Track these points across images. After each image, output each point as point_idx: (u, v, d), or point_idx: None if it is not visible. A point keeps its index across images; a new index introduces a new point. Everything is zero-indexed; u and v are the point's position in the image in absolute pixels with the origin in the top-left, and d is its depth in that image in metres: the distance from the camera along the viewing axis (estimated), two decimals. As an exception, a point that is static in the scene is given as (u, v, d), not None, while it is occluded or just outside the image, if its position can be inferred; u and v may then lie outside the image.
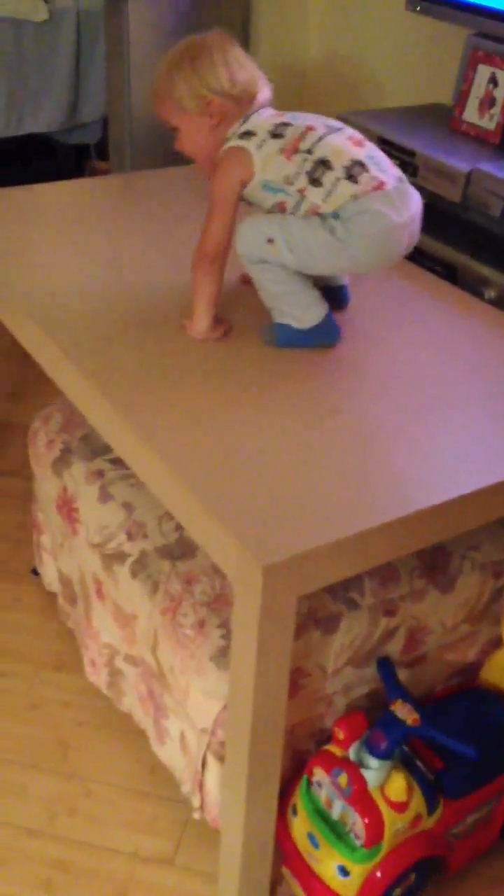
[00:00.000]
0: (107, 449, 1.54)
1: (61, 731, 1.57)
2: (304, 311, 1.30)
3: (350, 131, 1.27)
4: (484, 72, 1.81)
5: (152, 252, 1.59)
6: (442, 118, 1.95)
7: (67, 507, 1.54)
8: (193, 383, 1.24)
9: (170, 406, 1.18)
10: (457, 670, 1.49)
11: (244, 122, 1.28)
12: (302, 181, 1.22)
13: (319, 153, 1.22)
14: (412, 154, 1.76)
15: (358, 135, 1.27)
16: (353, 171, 1.21)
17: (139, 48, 2.20)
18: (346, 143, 1.24)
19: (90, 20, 2.77)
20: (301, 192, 1.22)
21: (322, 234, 1.22)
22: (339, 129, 1.27)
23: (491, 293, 1.64)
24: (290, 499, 1.03)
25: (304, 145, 1.23)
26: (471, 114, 1.84)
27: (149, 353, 1.30)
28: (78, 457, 1.55)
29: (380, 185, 1.21)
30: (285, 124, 1.26)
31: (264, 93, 1.31)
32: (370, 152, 1.25)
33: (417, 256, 1.76)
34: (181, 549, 1.36)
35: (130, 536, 1.40)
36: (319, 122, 1.27)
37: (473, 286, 1.66)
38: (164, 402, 1.19)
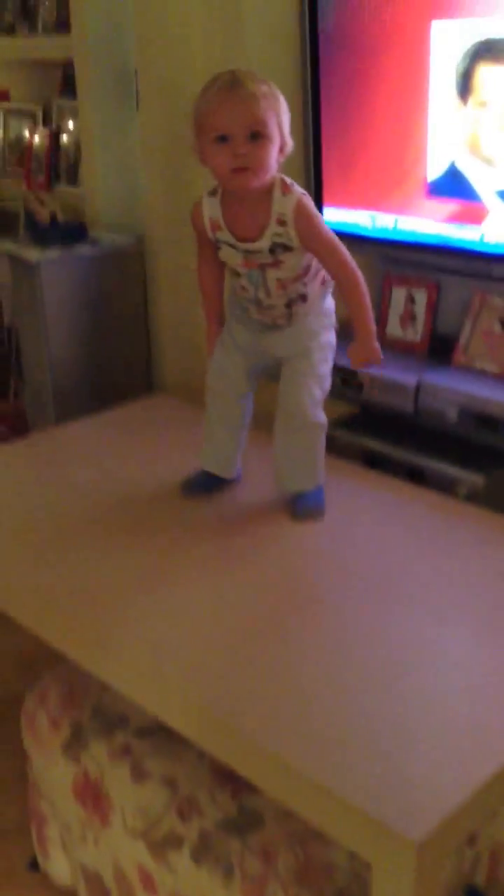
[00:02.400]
0: (124, 719, 1.44)
1: None
2: None
3: None
4: (400, 292, 1.98)
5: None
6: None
7: (93, 794, 1.40)
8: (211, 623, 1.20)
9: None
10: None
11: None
12: None
13: None
14: (354, 373, 1.87)
15: None
16: None
17: (53, 312, 2.26)
18: None
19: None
20: None
21: None
22: None
23: (464, 491, 1.71)
24: (397, 752, 0.99)
25: None
26: (394, 328, 1.99)
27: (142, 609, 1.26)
28: (95, 735, 1.43)
29: None
30: None
31: None
32: None
33: (385, 464, 1.83)
34: (246, 819, 1.26)
35: (183, 816, 1.28)
36: None
37: (445, 487, 1.73)
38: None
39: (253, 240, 1.36)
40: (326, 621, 1.27)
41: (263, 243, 1.36)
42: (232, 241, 1.39)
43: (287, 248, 1.36)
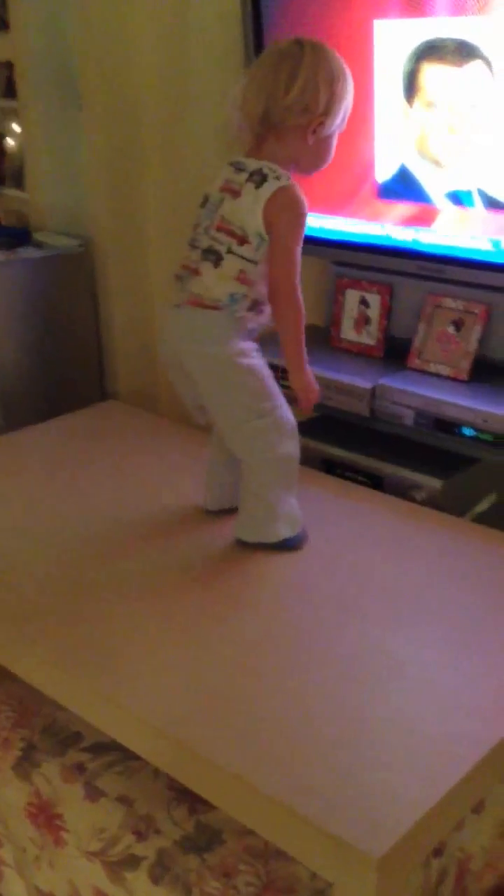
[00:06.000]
0: (77, 737, 1.40)
1: None
2: None
3: None
4: (353, 295, 1.97)
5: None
6: (313, 338, 2.07)
7: (45, 814, 1.36)
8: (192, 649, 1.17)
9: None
10: (492, 888, 1.42)
11: None
12: None
13: None
14: (309, 377, 1.84)
15: None
16: None
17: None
18: None
19: None
20: None
21: None
22: None
23: (422, 495, 1.70)
24: (357, 767, 0.97)
25: None
26: (347, 332, 1.98)
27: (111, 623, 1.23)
28: (46, 753, 1.39)
29: None
30: None
31: None
32: None
33: (343, 469, 1.81)
34: (205, 837, 1.22)
35: (140, 836, 1.24)
36: None
37: (403, 491, 1.71)
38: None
39: None
40: (284, 634, 1.24)
41: None
42: None
43: None
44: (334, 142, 1.38)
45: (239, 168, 1.33)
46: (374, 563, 1.43)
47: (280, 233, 1.30)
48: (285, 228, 1.30)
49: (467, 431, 1.65)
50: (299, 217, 1.31)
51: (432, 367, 1.80)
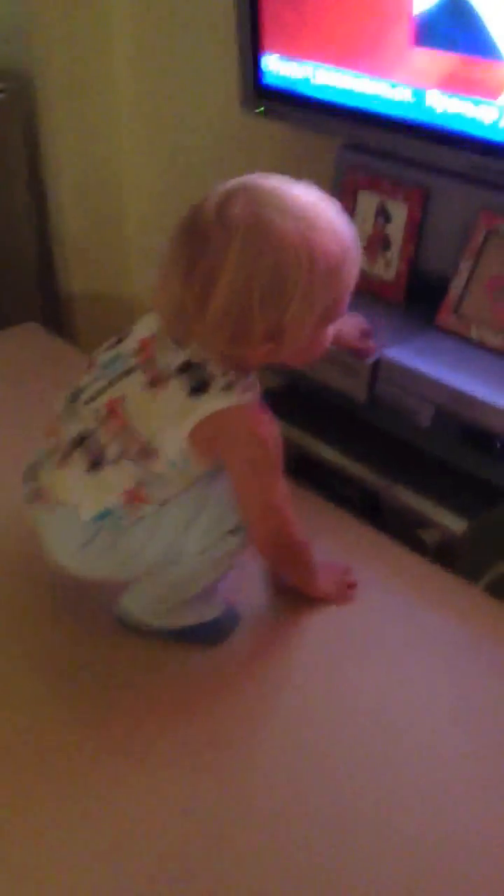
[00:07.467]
0: None
1: None
2: None
3: None
4: (369, 202, 1.30)
5: None
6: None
7: None
8: None
9: None
10: None
11: None
12: None
13: None
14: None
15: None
16: None
17: None
18: None
19: None
20: None
21: None
22: None
23: (434, 537, 1.11)
24: None
25: None
26: (357, 256, 1.33)
27: None
28: None
29: None
30: None
31: None
32: None
33: (327, 477, 1.23)
34: None
35: None
36: None
37: (406, 524, 1.13)
38: None
39: None
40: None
41: None
42: None
43: None
44: (329, 331, 0.92)
45: (177, 344, 0.89)
46: (351, 662, 0.91)
47: (243, 476, 0.91)
48: (247, 469, 0.91)
49: (515, 453, 1.04)
50: (260, 445, 0.90)
51: (473, 332, 1.15)
